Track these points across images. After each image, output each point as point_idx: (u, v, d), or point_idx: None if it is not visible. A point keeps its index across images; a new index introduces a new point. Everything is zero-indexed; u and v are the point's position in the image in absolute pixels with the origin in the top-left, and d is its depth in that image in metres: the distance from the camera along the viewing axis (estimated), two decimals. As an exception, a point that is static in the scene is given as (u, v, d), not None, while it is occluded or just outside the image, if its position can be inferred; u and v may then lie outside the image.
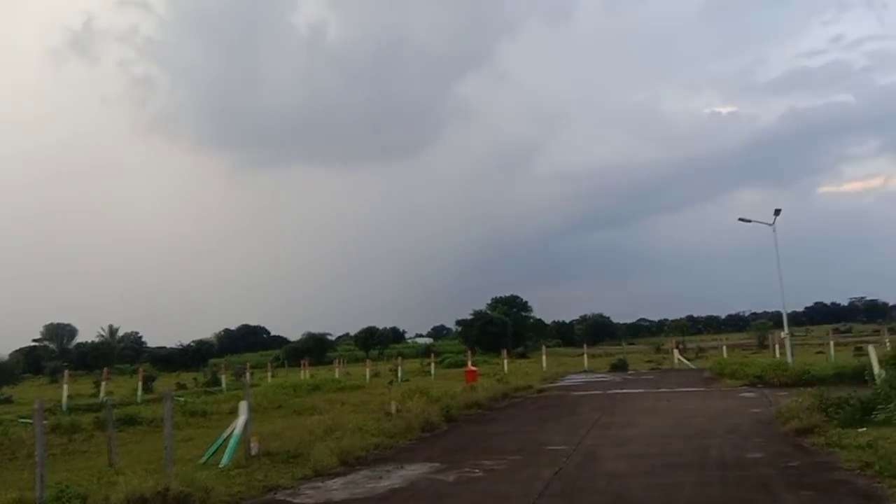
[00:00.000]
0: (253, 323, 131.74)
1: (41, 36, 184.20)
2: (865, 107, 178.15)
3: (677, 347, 53.68)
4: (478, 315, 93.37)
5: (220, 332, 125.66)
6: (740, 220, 36.54)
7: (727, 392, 25.95)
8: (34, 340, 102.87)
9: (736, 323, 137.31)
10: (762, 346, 62.64)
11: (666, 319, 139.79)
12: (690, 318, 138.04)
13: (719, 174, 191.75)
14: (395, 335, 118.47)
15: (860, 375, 21.57)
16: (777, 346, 40.66)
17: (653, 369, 44.76)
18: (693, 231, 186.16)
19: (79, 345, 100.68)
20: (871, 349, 20.31)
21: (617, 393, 27.82)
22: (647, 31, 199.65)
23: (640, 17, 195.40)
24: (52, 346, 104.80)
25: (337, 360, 60.15)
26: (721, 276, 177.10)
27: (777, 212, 34.01)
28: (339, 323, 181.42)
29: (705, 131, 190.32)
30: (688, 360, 49.01)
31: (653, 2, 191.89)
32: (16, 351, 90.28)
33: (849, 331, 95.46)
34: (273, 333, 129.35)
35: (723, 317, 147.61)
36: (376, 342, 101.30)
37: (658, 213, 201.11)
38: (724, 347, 48.84)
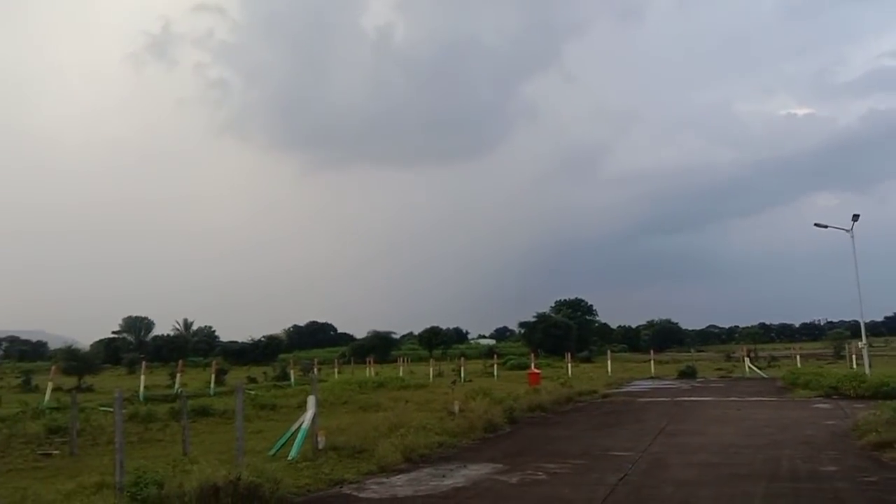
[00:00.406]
0: (321, 320, 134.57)
1: (121, 41, 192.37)
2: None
3: (748, 355, 52.12)
4: (541, 317, 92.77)
5: (289, 328, 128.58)
6: (816, 225, 35.27)
7: (800, 403, 25.12)
8: (113, 332, 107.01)
9: (811, 332, 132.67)
10: (838, 356, 60.21)
11: (737, 326, 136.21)
12: (763, 325, 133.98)
13: (794, 178, 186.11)
14: (458, 335, 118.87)
15: (944, 389, 20.68)
16: (854, 357, 39.10)
17: (722, 377, 43.60)
18: (766, 236, 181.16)
19: (155, 337, 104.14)
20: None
21: (685, 400, 27.25)
22: (721, 30, 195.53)
23: (714, 16, 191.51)
24: (130, 338, 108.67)
25: (401, 359, 60.74)
26: (795, 283, 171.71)
27: (855, 217, 32.73)
28: (404, 322, 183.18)
29: (780, 133, 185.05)
30: (759, 368, 47.56)
31: (727, 1, 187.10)
32: (96, 342, 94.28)
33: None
34: (340, 331, 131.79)
35: (797, 325, 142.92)
36: (440, 342, 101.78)
37: (730, 217, 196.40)
38: (798, 357, 47.28)
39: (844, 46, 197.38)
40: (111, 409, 16.26)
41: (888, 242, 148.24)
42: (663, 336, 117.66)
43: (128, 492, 9.71)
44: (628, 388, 35.27)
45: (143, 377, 35.70)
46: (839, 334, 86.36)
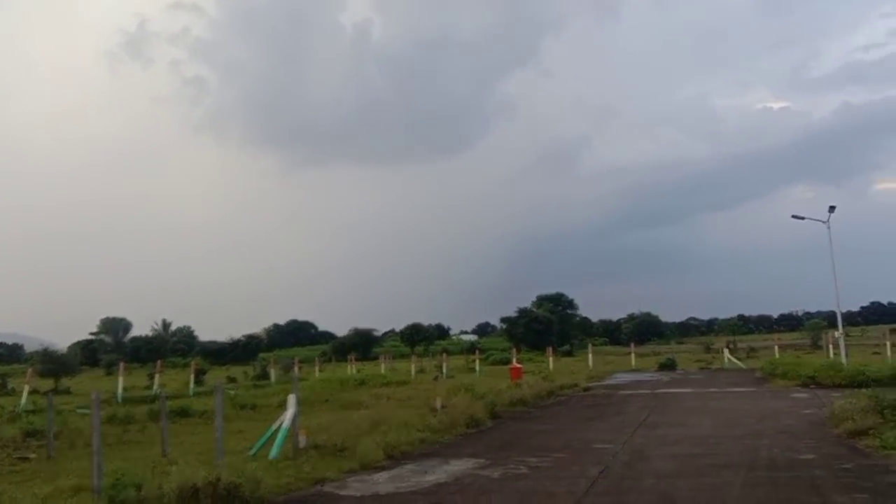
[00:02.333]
0: (301, 318, 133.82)
1: (97, 38, 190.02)
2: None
3: (727, 347, 52.67)
4: (523, 312, 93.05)
5: (269, 327, 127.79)
6: (794, 217, 35.68)
7: (778, 392, 25.40)
8: (91, 334, 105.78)
9: (788, 322, 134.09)
10: (815, 346, 61.02)
11: (716, 318, 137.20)
12: (741, 317, 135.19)
13: (771, 171, 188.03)
14: (440, 332, 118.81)
15: (919, 377, 20.99)
16: (831, 347, 39.62)
17: (702, 369, 44.03)
18: (744, 228, 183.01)
19: (133, 338, 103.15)
20: (930, 350, 19.69)
21: (665, 392, 27.47)
22: (697, 25, 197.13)
23: (690, 12, 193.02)
24: (107, 339, 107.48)
25: (383, 356, 60.67)
26: (773, 275, 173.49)
27: (832, 208, 33.19)
28: (385, 319, 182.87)
29: (757, 127, 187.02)
30: (738, 360, 48.06)
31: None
32: (74, 344, 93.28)
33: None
34: (321, 329, 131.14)
35: (775, 316, 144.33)
36: (421, 338, 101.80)
37: (708, 210, 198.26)
38: (776, 347, 47.82)
39: (818, 41, 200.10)
40: (89, 412, 16.06)
41: (863, 234, 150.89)
42: (644, 329, 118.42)
43: (106, 494, 9.60)
44: (609, 381, 35.48)
45: (121, 378, 35.30)
46: (816, 325, 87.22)
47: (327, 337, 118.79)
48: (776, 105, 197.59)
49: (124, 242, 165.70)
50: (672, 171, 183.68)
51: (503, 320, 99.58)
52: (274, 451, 13.33)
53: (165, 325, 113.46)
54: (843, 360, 31.03)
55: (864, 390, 18.04)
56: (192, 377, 39.00)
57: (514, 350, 54.06)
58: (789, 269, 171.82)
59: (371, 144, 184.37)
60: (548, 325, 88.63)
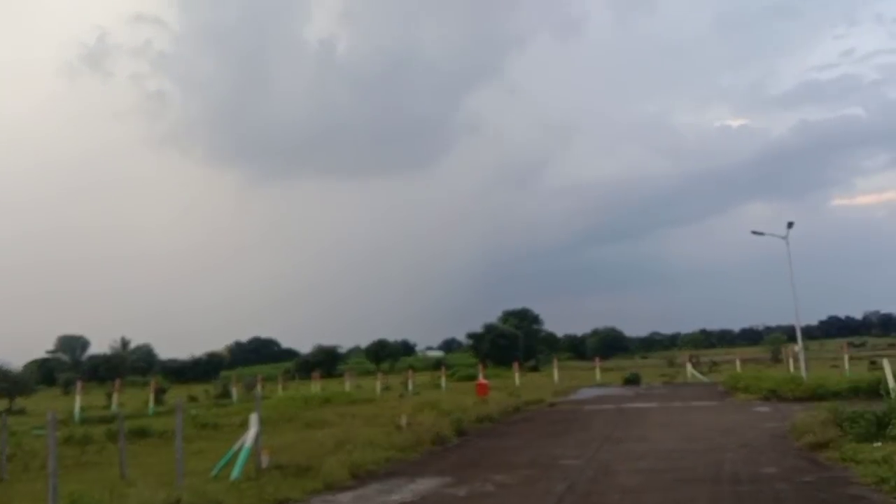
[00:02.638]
0: (264, 336, 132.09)
1: (55, 50, 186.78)
2: (876, 120, 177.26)
3: (690, 361, 53.29)
4: (489, 328, 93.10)
5: (231, 345, 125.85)
6: (754, 232, 36.33)
7: (741, 406, 25.73)
8: (47, 352, 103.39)
9: (750, 337, 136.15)
10: (776, 360, 62.10)
11: (679, 333, 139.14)
12: (704, 331, 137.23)
13: (730, 187, 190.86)
14: (406, 348, 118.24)
15: (875, 390, 21.45)
16: (791, 360, 40.31)
17: (666, 383, 44.44)
18: (705, 244, 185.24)
19: (91, 357, 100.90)
20: (885, 363, 20.13)
21: (630, 407, 27.63)
22: (658, 43, 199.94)
23: (651, 29, 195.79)
24: (65, 357, 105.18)
25: (347, 373, 60.13)
26: (734, 290, 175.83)
27: (790, 224, 33.82)
28: (350, 336, 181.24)
29: (716, 144, 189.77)
30: (701, 374, 48.64)
31: (664, 15, 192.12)
32: (29, 362, 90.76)
33: (863, 345, 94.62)
34: (284, 346, 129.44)
35: (736, 330, 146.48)
36: (387, 355, 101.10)
37: (670, 225, 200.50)
38: (738, 361, 48.50)
39: (776, 60, 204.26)
40: (44, 432, 15.60)
41: (820, 249, 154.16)
42: (608, 344, 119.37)
43: (60, 520, 9.30)
44: (575, 397, 35.60)
45: (78, 398, 34.46)
46: (777, 339, 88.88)
47: (291, 354, 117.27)
48: (735, 122, 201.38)
49: (82, 256, 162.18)
50: (634, 187, 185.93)
51: (469, 336, 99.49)
52: (236, 472, 13.07)
53: (124, 342, 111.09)
54: (803, 373, 31.56)
55: (823, 403, 18.33)
56: (151, 396, 38.23)
57: (481, 366, 54.00)
58: (750, 284, 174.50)
59: (336, 159, 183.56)
60: (514, 341, 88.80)
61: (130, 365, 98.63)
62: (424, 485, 12.37)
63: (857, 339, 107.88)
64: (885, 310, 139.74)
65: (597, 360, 57.29)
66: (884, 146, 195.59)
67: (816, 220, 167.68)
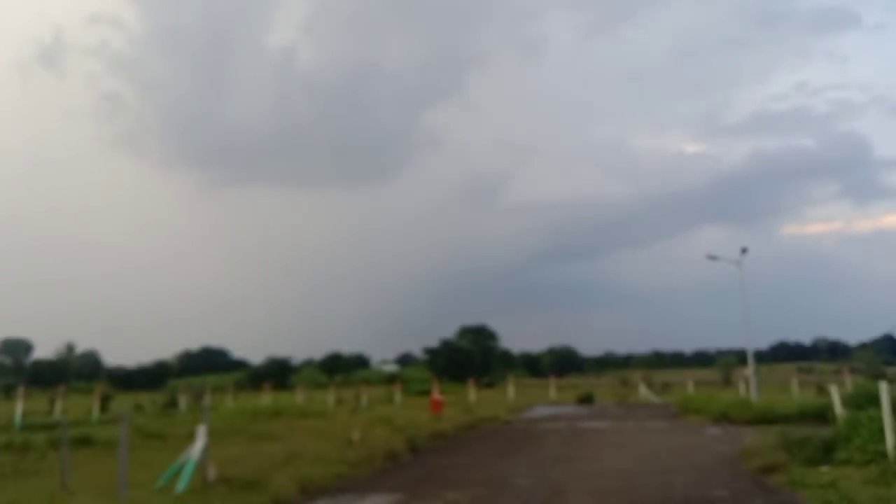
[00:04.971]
0: (214, 345, 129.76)
1: (8, 48, 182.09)
2: (826, 151, 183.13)
3: (644, 382, 53.82)
4: (445, 343, 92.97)
5: (179, 353, 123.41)
6: (708, 257, 36.98)
7: (692, 428, 25.99)
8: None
9: (701, 359, 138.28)
10: (727, 382, 63.10)
11: (633, 353, 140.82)
12: (657, 352, 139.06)
13: (685, 212, 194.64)
14: (361, 361, 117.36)
15: (822, 415, 21.81)
16: (742, 383, 40.96)
17: (619, 403, 44.76)
18: (659, 266, 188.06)
19: (35, 361, 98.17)
20: (833, 389, 20.49)
21: (583, 426, 27.71)
22: (618, 68, 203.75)
23: (611, 54, 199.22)
24: (7, 361, 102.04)
25: (300, 386, 59.35)
26: (687, 312, 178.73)
27: (744, 250, 34.51)
28: (303, 347, 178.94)
29: (672, 169, 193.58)
30: (654, 394, 49.13)
31: (624, 41, 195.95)
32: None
33: (811, 370, 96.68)
34: (234, 356, 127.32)
35: (689, 352, 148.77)
36: (341, 368, 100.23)
37: (625, 247, 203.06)
38: (690, 383, 49.09)
39: (731, 89, 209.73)
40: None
41: (770, 275, 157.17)
42: (563, 362, 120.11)
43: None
44: (529, 414, 35.61)
45: (20, 403, 33.29)
46: (728, 362, 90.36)
47: (241, 365, 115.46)
48: (691, 148, 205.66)
49: (28, 259, 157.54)
50: (590, 208, 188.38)
51: (425, 351, 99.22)
52: (181, 485, 12.68)
53: (70, 347, 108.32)
54: (754, 396, 32.08)
55: (772, 427, 18.62)
56: (96, 404, 37.14)
57: (436, 381, 53.76)
58: (702, 307, 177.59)
59: (293, 169, 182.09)
60: (470, 357, 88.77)
61: (76, 371, 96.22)
62: (375, 501, 12.17)
63: (805, 365, 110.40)
64: (832, 336, 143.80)
65: (551, 377, 57.51)
66: (833, 177, 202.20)
67: (768, 246, 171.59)
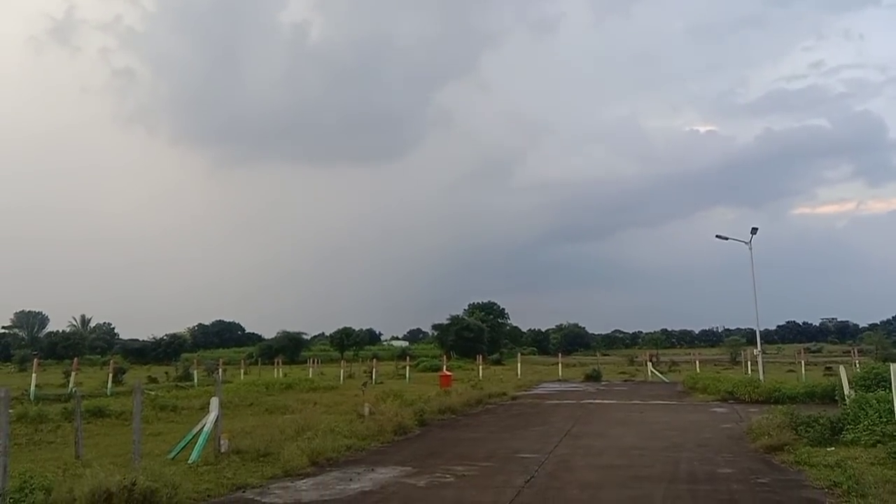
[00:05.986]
0: (228, 319, 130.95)
1: (21, 23, 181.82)
2: (840, 132, 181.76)
3: (651, 360, 53.96)
4: (454, 320, 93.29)
5: (193, 327, 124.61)
6: (717, 237, 36.90)
7: (699, 406, 26.12)
8: (4, 327, 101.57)
9: (709, 338, 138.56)
10: (734, 362, 63.18)
11: (640, 332, 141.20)
12: (665, 331, 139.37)
13: (695, 192, 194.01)
14: (371, 337, 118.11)
15: (830, 395, 21.91)
16: (749, 363, 41.03)
17: (626, 381, 44.93)
18: (669, 246, 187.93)
19: (50, 334, 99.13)
20: (841, 370, 20.56)
21: (590, 403, 27.89)
22: (632, 47, 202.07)
23: (626, 33, 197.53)
24: (22, 333, 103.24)
25: (311, 360, 59.85)
26: (696, 292, 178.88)
27: (754, 230, 34.37)
28: (315, 322, 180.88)
29: (684, 149, 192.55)
30: (661, 373, 49.28)
31: (639, 20, 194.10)
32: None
33: (819, 351, 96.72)
34: (248, 330, 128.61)
35: (696, 332, 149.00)
36: (352, 343, 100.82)
37: (635, 227, 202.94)
38: (697, 362, 49.22)
39: (745, 69, 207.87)
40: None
41: (780, 256, 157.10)
42: (571, 340, 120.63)
43: (11, 498, 9.09)
44: (537, 391, 35.84)
45: (34, 375, 33.70)
46: (735, 341, 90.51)
47: (254, 339, 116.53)
48: (703, 128, 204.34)
49: (44, 233, 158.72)
50: (601, 187, 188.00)
51: (435, 327, 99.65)
52: (194, 455, 12.93)
53: (84, 320, 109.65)
54: (761, 376, 32.14)
55: (779, 406, 18.69)
56: (110, 376, 37.61)
57: (445, 357, 54.16)
58: (711, 287, 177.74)
59: (305, 145, 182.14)
60: (479, 333, 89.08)
61: (90, 343, 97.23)
62: (384, 474, 12.36)
63: (813, 345, 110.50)
64: (841, 317, 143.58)
65: (559, 355, 57.77)
66: (846, 158, 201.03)
67: (779, 227, 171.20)
